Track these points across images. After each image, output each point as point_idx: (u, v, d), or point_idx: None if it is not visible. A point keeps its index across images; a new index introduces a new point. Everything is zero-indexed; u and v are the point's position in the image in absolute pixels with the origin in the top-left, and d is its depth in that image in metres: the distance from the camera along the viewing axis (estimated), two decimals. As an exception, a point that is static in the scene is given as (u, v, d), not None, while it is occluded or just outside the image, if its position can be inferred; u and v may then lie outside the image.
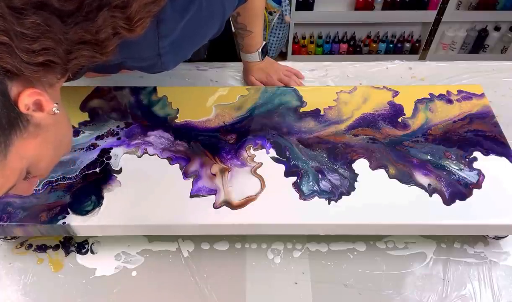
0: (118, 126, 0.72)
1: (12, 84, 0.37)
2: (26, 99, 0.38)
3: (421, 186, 0.63)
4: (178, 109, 0.75)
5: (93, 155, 0.67)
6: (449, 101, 0.76)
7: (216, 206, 0.61)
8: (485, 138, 0.69)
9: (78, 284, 0.65)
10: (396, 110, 0.74)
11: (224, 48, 1.04)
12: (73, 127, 0.71)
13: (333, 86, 0.89)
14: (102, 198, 0.62)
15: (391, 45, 2.28)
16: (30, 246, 0.69)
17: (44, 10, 0.37)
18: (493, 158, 0.66)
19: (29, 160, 0.42)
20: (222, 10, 0.61)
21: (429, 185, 0.63)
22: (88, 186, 0.63)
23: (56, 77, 0.41)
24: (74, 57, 0.40)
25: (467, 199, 0.61)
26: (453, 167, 0.65)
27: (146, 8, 0.44)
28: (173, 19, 0.54)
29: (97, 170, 0.65)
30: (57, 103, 0.42)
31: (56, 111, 0.42)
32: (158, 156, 0.67)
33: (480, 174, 0.64)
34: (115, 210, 0.61)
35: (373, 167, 0.65)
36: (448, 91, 0.77)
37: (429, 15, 2.13)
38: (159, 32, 0.53)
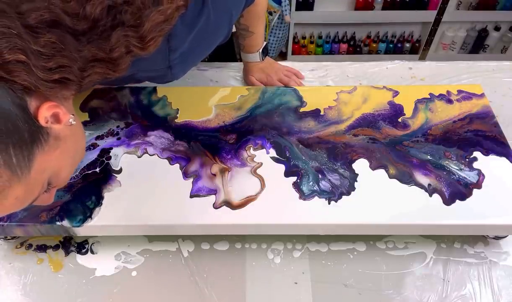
0: (118, 126, 0.72)
1: (31, 99, 0.38)
2: (45, 113, 0.39)
3: (421, 186, 0.63)
4: (178, 109, 0.75)
5: (93, 155, 0.67)
6: (449, 101, 0.76)
7: (216, 206, 0.61)
8: (485, 138, 0.69)
9: (78, 284, 0.65)
10: (396, 110, 0.74)
11: (223, 49, 1.04)
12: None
13: (333, 86, 0.89)
14: (102, 198, 0.62)
15: (391, 45, 2.28)
16: (30, 246, 0.69)
17: (58, 28, 0.38)
18: (493, 158, 0.66)
19: (50, 172, 0.43)
20: (229, 18, 0.62)
21: (429, 185, 0.63)
22: (88, 186, 0.63)
23: (71, 93, 0.42)
24: (88, 74, 0.41)
25: (467, 199, 0.61)
26: (453, 167, 0.65)
27: (159, 27, 0.45)
28: (182, 33, 0.54)
29: (97, 170, 0.65)
30: (73, 115, 0.43)
31: (72, 122, 0.43)
32: (158, 156, 0.67)
33: (480, 174, 0.64)
34: (115, 210, 0.61)
35: (373, 167, 0.65)
36: (448, 91, 0.77)
37: (429, 15, 2.13)
38: (170, 46, 0.54)
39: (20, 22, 0.35)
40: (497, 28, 2.21)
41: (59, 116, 0.41)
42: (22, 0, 0.36)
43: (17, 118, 0.36)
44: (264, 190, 0.63)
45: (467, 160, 0.66)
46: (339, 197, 0.62)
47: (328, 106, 0.75)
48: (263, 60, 0.88)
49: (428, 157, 0.67)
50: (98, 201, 0.61)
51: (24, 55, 0.35)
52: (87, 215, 0.60)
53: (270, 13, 2.04)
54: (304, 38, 2.28)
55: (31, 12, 0.36)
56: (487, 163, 0.66)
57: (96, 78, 0.43)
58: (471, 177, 0.64)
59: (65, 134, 0.43)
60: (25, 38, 0.35)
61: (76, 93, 0.44)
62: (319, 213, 0.60)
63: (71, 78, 0.39)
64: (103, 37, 0.41)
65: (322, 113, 0.74)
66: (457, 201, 0.61)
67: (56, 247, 0.68)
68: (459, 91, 0.77)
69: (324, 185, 0.63)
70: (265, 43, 0.87)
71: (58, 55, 0.37)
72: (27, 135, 0.38)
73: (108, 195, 0.62)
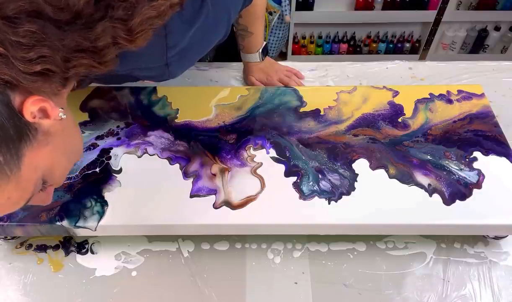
0: (118, 126, 0.72)
1: (15, 94, 0.37)
2: (30, 107, 0.37)
3: (421, 186, 0.63)
4: (178, 109, 0.75)
5: (93, 155, 0.67)
6: (449, 101, 0.76)
7: (216, 206, 0.61)
8: (485, 138, 0.69)
9: (78, 284, 0.65)
10: (396, 110, 0.74)
11: (228, 49, 1.04)
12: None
13: (333, 86, 0.89)
14: (102, 198, 0.62)
15: (391, 45, 2.28)
16: (30, 246, 0.69)
17: (39, 18, 0.36)
18: (493, 158, 0.66)
19: (43, 169, 0.42)
20: (228, 16, 0.62)
21: (429, 185, 0.63)
22: (88, 186, 0.63)
23: (56, 87, 0.40)
24: (72, 65, 0.39)
25: (467, 199, 0.61)
26: (453, 167, 0.65)
27: (149, 21, 0.43)
28: (181, 30, 0.54)
29: (97, 170, 0.65)
30: (62, 108, 0.42)
31: (62, 117, 0.41)
32: (158, 156, 0.67)
33: (480, 174, 0.64)
34: (115, 210, 0.61)
35: (373, 167, 0.65)
36: (448, 91, 0.77)
37: (429, 15, 2.13)
38: (167, 43, 0.54)
39: None
40: (497, 28, 2.21)
41: (47, 111, 0.39)
42: None
43: (0, 116, 0.35)
44: (264, 190, 0.63)
45: (467, 160, 0.66)
46: (339, 197, 0.62)
47: (328, 106, 0.75)
48: (263, 60, 0.88)
49: (428, 157, 0.67)
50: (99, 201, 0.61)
51: (2, 47, 0.34)
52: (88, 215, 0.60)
53: (270, 13, 2.04)
54: (304, 38, 2.28)
55: (9, 3, 0.34)
56: (487, 163, 0.66)
57: (82, 71, 0.41)
58: (471, 177, 0.64)
59: (56, 129, 0.41)
60: (2, 29, 0.34)
61: (68, 87, 0.43)
62: (319, 213, 0.60)
63: (53, 69, 0.38)
64: (88, 27, 0.39)
65: (322, 113, 0.74)
66: (457, 201, 0.61)
67: (56, 247, 0.68)
68: (459, 91, 0.77)
69: (324, 185, 0.63)
70: (264, 43, 0.87)
71: (39, 45, 0.36)
72: (13, 132, 0.36)
73: (108, 195, 0.62)
